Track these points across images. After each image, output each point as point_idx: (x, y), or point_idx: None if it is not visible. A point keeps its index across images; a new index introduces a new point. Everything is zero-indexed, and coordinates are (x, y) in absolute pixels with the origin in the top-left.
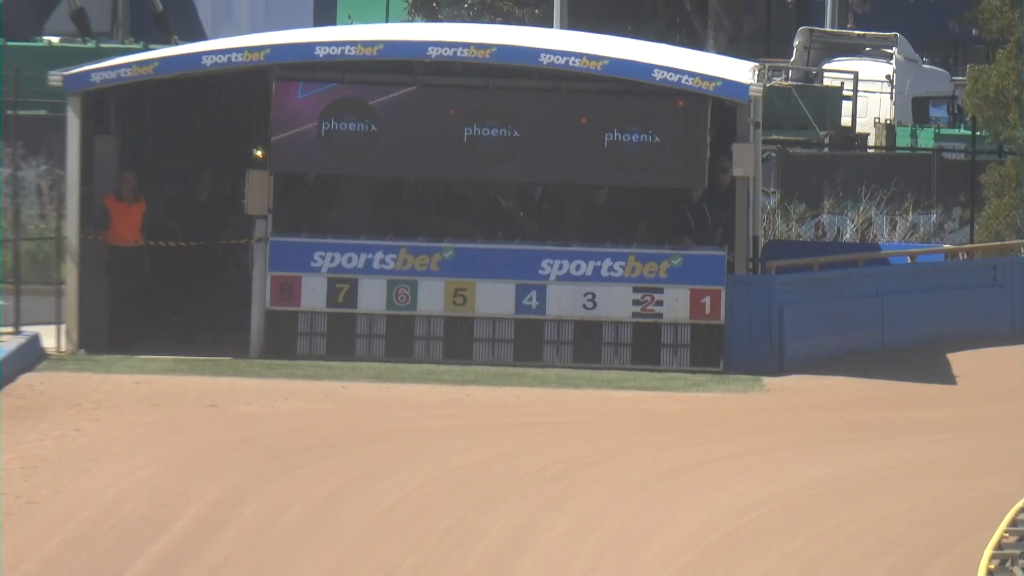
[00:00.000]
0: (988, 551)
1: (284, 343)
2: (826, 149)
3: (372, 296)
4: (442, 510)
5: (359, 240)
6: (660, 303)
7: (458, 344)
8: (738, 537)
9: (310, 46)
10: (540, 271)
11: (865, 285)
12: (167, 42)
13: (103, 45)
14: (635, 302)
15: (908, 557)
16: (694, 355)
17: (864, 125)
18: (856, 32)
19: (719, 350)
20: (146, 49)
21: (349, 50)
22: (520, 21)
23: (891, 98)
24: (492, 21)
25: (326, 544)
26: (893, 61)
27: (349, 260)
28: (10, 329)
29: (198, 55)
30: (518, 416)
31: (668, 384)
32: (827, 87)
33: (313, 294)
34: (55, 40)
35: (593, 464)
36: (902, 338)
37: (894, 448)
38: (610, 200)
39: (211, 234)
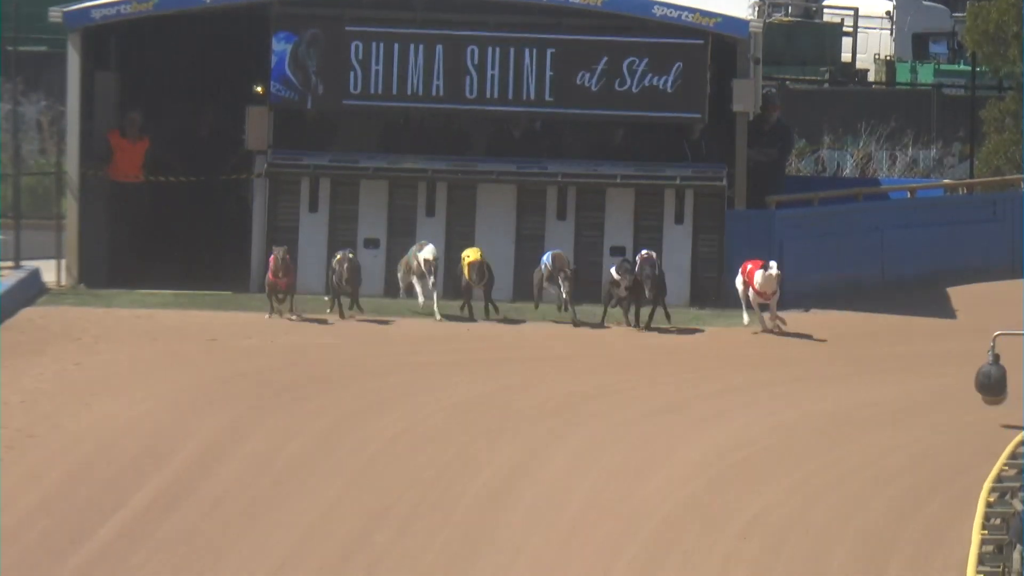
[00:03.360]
0: (987, 484)
1: None
2: (826, 85)
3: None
4: (441, 444)
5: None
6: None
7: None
8: (737, 470)
9: None
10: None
11: (865, 220)
12: None
13: None
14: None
15: (908, 490)
16: (694, 290)
17: (864, 61)
18: None
19: (719, 285)
20: None
21: None
22: None
23: (891, 34)
24: None
25: (326, 477)
26: None
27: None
28: (10, 263)
29: None
30: (517, 351)
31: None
32: (827, 23)
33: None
34: None
35: (592, 398)
36: (902, 273)
37: (894, 382)
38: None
39: (211, 170)
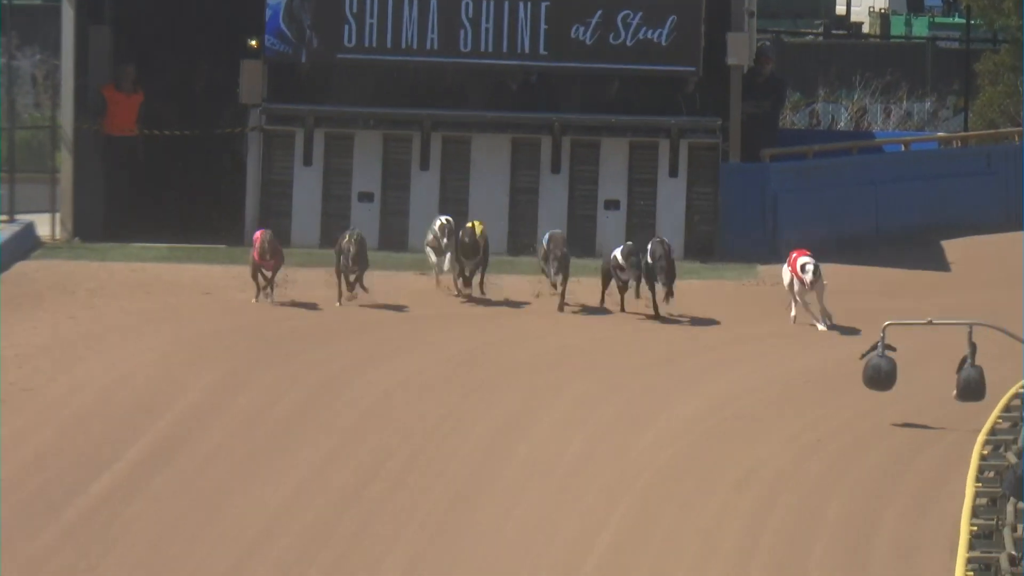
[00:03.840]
0: (981, 437)
1: (278, 231)
2: (820, 38)
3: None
4: (436, 397)
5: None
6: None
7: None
8: (732, 423)
9: None
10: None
11: (859, 173)
12: None
13: None
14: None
15: (903, 443)
16: (688, 244)
17: (858, 14)
18: None
19: (713, 238)
20: None
21: None
22: None
23: None
24: None
25: (320, 431)
26: None
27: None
28: (5, 217)
29: None
30: (512, 304)
31: None
32: None
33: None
34: None
35: (587, 351)
36: (896, 226)
37: (888, 335)
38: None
39: (206, 124)
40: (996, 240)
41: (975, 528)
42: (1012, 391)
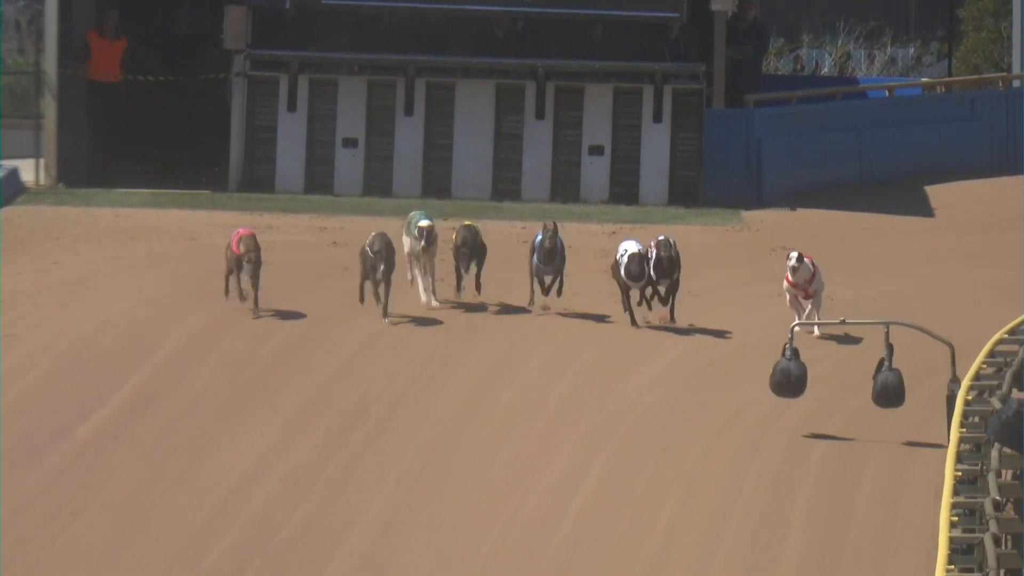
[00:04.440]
0: (965, 382)
1: (262, 177)
2: None
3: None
4: (420, 343)
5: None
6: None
7: (437, 177)
8: (715, 369)
9: None
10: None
11: (843, 119)
12: None
13: None
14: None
15: None
16: (672, 189)
17: None
18: None
19: (697, 184)
20: None
21: None
22: None
23: None
24: None
25: (303, 376)
26: None
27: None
28: None
29: None
30: (496, 249)
31: (647, 217)
32: None
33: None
34: None
35: (569, 297)
36: (880, 171)
37: (872, 281)
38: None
39: (190, 69)
40: (980, 185)
41: (959, 474)
42: (996, 337)
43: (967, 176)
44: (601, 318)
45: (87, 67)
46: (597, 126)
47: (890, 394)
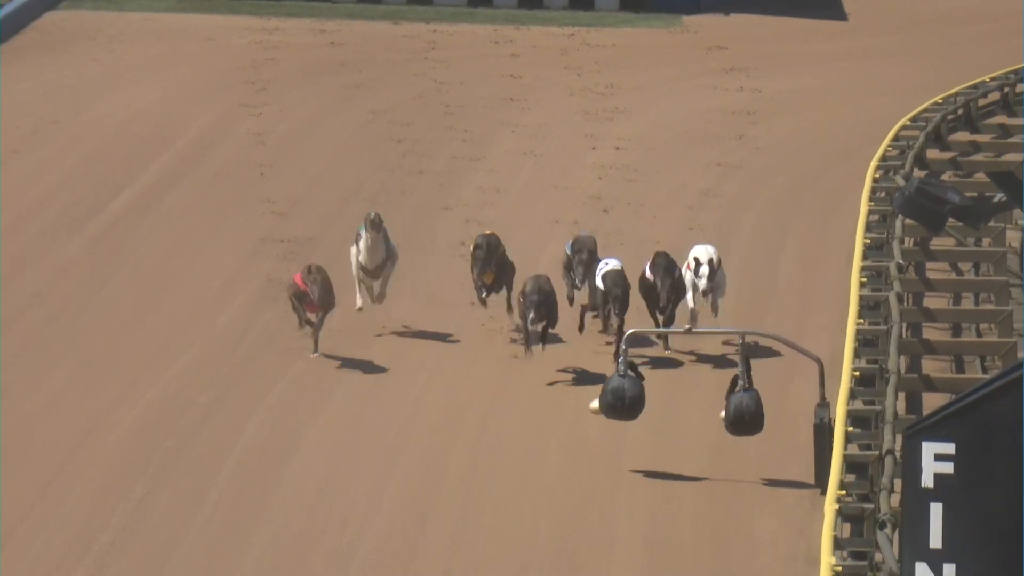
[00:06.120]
0: (874, 163)
1: None
2: None
3: None
4: (408, 131)
5: None
6: None
7: None
8: (660, 151)
9: None
10: None
11: None
12: None
13: None
14: None
15: (806, 168)
16: None
17: None
18: None
19: None
20: None
21: None
22: None
23: None
24: None
25: (310, 155)
26: None
27: None
28: None
29: None
30: (472, 50)
31: (600, 21)
32: None
33: None
34: None
35: (536, 89)
36: None
37: (796, 76)
38: None
39: None
40: None
41: (868, 241)
42: (900, 123)
43: None
44: (560, 111)
45: None
46: None
47: (745, 420)
